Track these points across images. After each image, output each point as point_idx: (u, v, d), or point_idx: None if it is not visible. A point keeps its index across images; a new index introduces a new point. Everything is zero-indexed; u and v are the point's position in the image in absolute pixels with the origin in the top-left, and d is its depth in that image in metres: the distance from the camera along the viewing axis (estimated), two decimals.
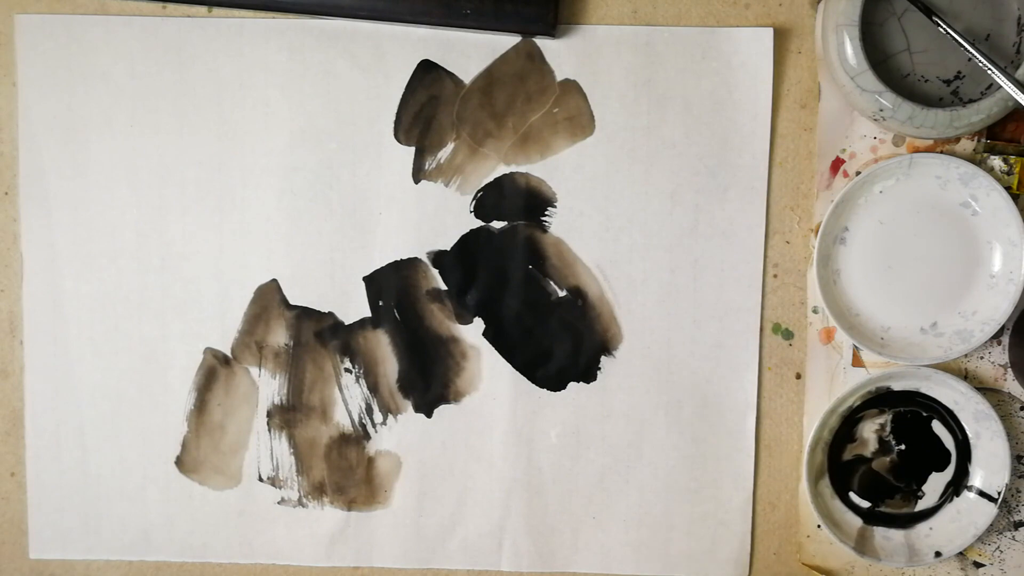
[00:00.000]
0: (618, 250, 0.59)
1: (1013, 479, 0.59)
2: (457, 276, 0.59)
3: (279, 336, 0.59)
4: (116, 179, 0.59)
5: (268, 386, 0.60)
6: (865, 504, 0.60)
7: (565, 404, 0.59)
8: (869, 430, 0.60)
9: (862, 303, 0.58)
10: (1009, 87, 0.52)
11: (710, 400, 0.59)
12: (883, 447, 0.60)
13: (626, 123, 0.58)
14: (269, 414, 0.60)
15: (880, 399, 0.59)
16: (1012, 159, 0.57)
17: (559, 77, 0.58)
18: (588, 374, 0.59)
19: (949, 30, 0.54)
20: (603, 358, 0.59)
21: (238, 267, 0.59)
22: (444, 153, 0.59)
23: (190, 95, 0.58)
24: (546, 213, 0.59)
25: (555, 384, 0.60)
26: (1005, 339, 0.59)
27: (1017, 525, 0.60)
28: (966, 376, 0.59)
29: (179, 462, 0.60)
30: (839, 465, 0.60)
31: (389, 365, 0.59)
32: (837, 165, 0.58)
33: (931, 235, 0.58)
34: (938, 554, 0.59)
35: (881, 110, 0.55)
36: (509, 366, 0.59)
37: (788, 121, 0.58)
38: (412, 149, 0.59)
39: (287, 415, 0.60)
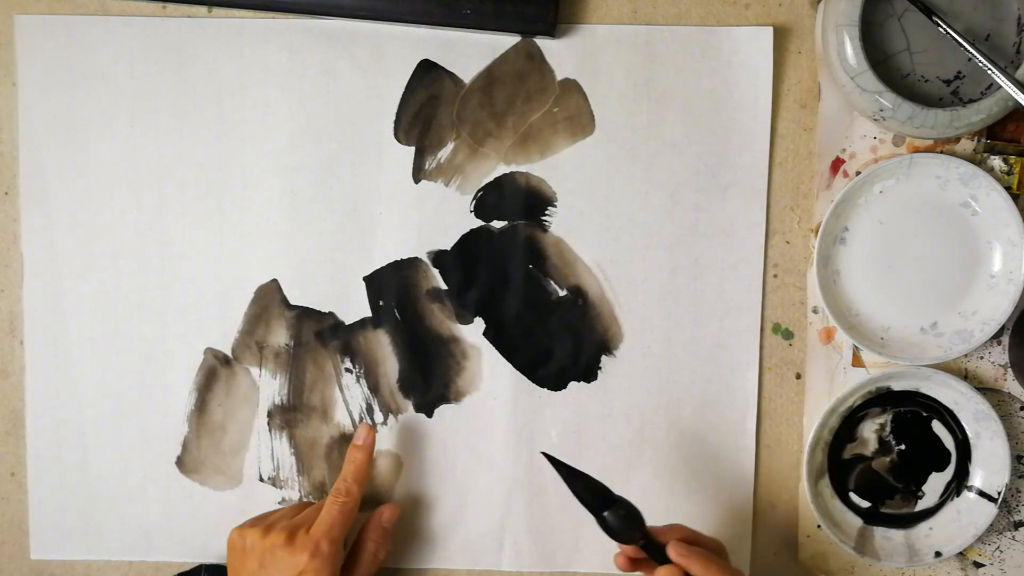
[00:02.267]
0: (618, 250, 0.59)
1: (1013, 479, 0.60)
2: (457, 276, 0.59)
3: (279, 336, 0.59)
4: (116, 179, 0.59)
5: (269, 386, 0.60)
6: (865, 504, 0.60)
7: (566, 404, 0.59)
8: (869, 430, 0.60)
9: (862, 303, 0.58)
10: (1009, 87, 0.52)
11: (710, 400, 0.59)
12: (883, 447, 0.60)
13: (626, 123, 0.58)
14: (270, 414, 0.60)
15: (880, 399, 0.59)
16: (1012, 159, 0.57)
17: (559, 77, 0.58)
18: (589, 373, 0.59)
19: (949, 30, 0.54)
20: (603, 357, 0.59)
21: (238, 267, 0.59)
22: (444, 153, 0.59)
23: (190, 95, 0.58)
24: (546, 213, 0.59)
25: (556, 384, 0.60)
26: (1005, 339, 0.59)
27: (1017, 525, 0.60)
28: (966, 376, 0.59)
29: (180, 462, 0.60)
30: (839, 465, 0.60)
31: (390, 365, 0.59)
32: (837, 165, 0.58)
33: (931, 235, 0.58)
34: (938, 554, 0.59)
35: (881, 110, 0.55)
36: (510, 366, 0.59)
37: (788, 121, 0.58)
38: (412, 149, 0.59)
39: (288, 415, 0.60)
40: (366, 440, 0.57)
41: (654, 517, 0.60)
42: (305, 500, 0.60)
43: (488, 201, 0.59)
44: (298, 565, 0.52)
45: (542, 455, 0.52)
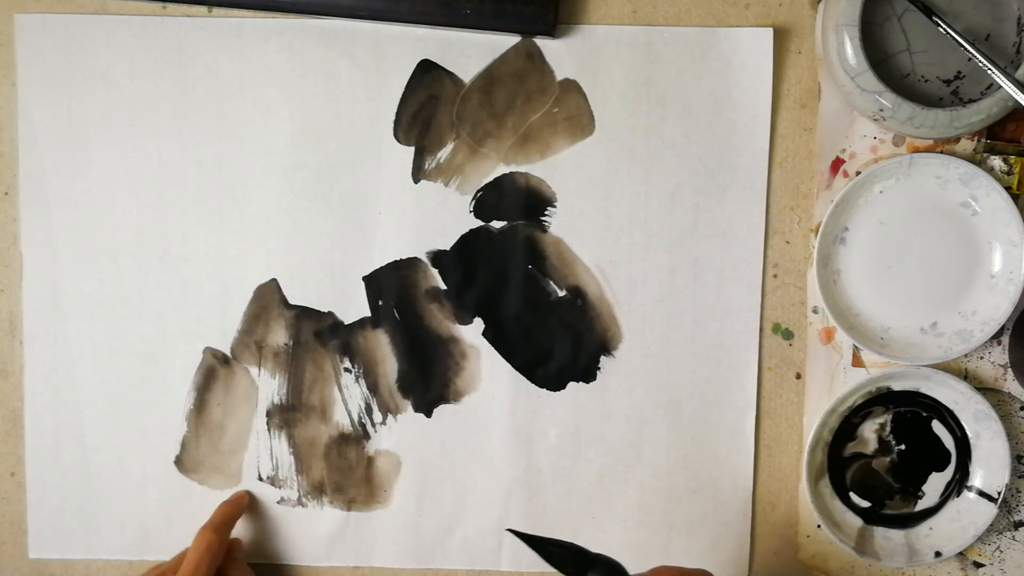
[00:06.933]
0: (618, 250, 0.59)
1: (1013, 479, 0.59)
2: (457, 276, 0.59)
3: (279, 336, 0.59)
4: (116, 179, 0.59)
5: (268, 386, 0.60)
6: (865, 504, 0.60)
7: (565, 404, 0.59)
8: (869, 430, 0.60)
9: (862, 303, 0.58)
10: (1009, 87, 0.52)
11: (710, 400, 0.59)
12: (883, 447, 0.60)
13: (626, 123, 0.58)
14: (269, 414, 0.60)
15: (880, 399, 0.59)
16: (1012, 159, 0.57)
17: (559, 77, 0.58)
18: (588, 374, 0.59)
19: (949, 30, 0.54)
20: (603, 358, 0.59)
21: (238, 267, 0.59)
22: (444, 153, 0.59)
23: (190, 95, 0.58)
24: (546, 213, 0.59)
25: (555, 384, 0.59)
26: (1005, 339, 0.59)
27: (1017, 525, 0.60)
28: (966, 376, 0.59)
29: (179, 462, 0.60)
30: (839, 465, 0.60)
31: (389, 365, 0.59)
32: (837, 165, 0.58)
33: (931, 235, 0.58)
34: (938, 554, 0.59)
35: (881, 110, 0.55)
36: (509, 366, 0.59)
37: (788, 121, 0.58)
38: (412, 149, 0.59)
39: (287, 415, 0.60)
40: (237, 498, 0.59)
41: (654, 518, 0.60)
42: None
43: (488, 201, 0.59)
44: None
45: (509, 532, 0.52)
